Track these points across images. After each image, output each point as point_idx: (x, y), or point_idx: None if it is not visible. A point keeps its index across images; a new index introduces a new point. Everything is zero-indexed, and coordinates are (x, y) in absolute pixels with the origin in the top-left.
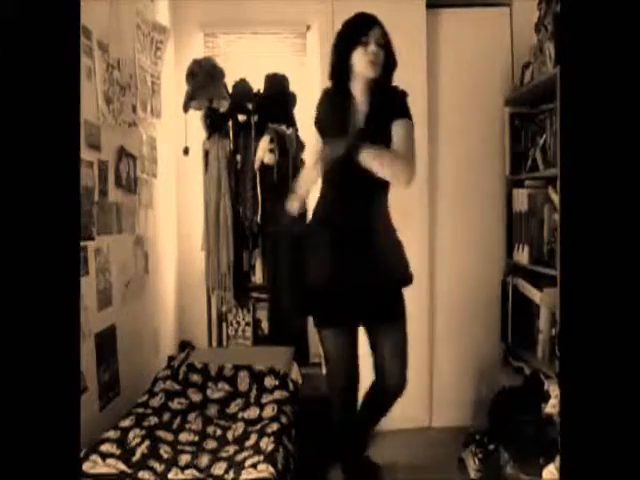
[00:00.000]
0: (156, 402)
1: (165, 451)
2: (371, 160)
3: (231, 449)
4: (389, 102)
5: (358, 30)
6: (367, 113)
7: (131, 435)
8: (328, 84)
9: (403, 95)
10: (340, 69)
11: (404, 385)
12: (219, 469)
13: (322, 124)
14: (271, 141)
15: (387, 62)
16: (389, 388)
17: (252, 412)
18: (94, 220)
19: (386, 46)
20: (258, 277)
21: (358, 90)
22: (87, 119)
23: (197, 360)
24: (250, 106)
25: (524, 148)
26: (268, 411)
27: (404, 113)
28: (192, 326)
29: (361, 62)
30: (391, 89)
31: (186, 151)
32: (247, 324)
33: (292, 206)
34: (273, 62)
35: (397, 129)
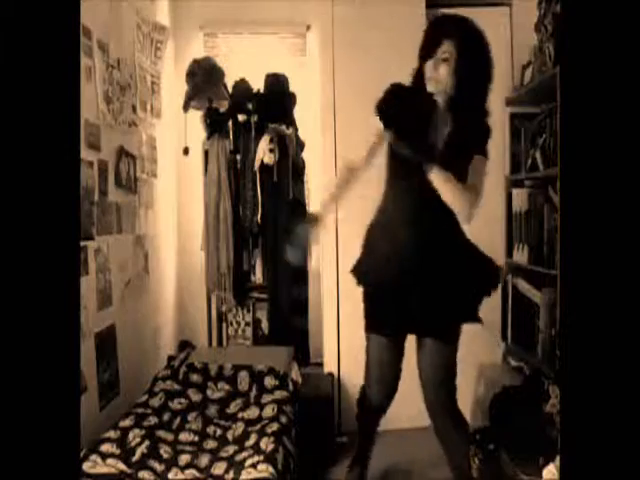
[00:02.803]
0: (156, 402)
1: (165, 451)
2: (442, 183)
3: (231, 449)
4: (473, 133)
5: (429, 41)
6: (449, 134)
7: (131, 435)
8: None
9: (487, 131)
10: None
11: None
12: (219, 469)
13: (395, 116)
14: (271, 141)
15: (461, 79)
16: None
17: (252, 412)
18: (94, 220)
19: (461, 60)
20: (258, 277)
21: (441, 102)
22: (87, 119)
23: (197, 360)
24: (250, 106)
25: (524, 148)
26: (268, 411)
27: (484, 150)
28: (192, 326)
29: (426, 76)
30: (476, 119)
31: (186, 151)
32: (247, 324)
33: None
34: (273, 62)
35: (475, 165)
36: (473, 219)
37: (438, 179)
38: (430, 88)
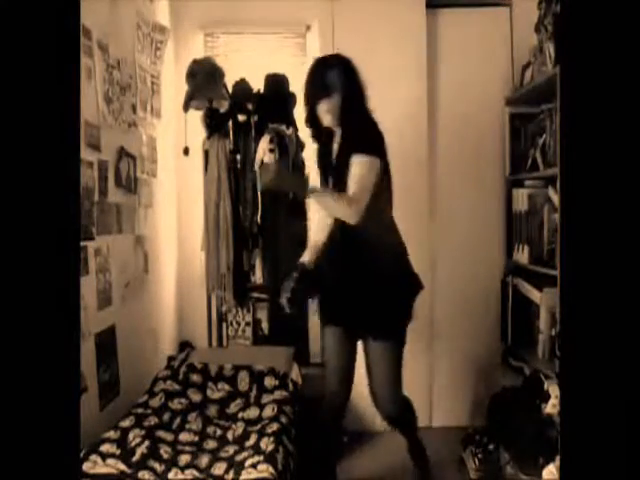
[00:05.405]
0: (156, 402)
1: (165, 451)
2: (317, 203)
3: (231, 449)
4: (357, 133)
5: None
6: (339, 145)
7: (131, 435)
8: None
9: (372, 126)
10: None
11: (398, 413)
12: (219, 469)
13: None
14: (271, 141)
15: (346, 102)
16: (384, 414)
17: (252, 412)
18: (94, 220)
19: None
20: (258, 277)
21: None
22: (87, 119)
23: (197, 360)
24: (250, 106)
25: (524, 148)
26: (268, 411)
27: (364, 148)
28: (192, 326)
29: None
30: (361, 119)
31: (186, 151)
32: (247, 324)
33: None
34: (273, 62)
35: (353, 166)
36: (472, 219)
37: (314, 200)
38: (328, 123)
